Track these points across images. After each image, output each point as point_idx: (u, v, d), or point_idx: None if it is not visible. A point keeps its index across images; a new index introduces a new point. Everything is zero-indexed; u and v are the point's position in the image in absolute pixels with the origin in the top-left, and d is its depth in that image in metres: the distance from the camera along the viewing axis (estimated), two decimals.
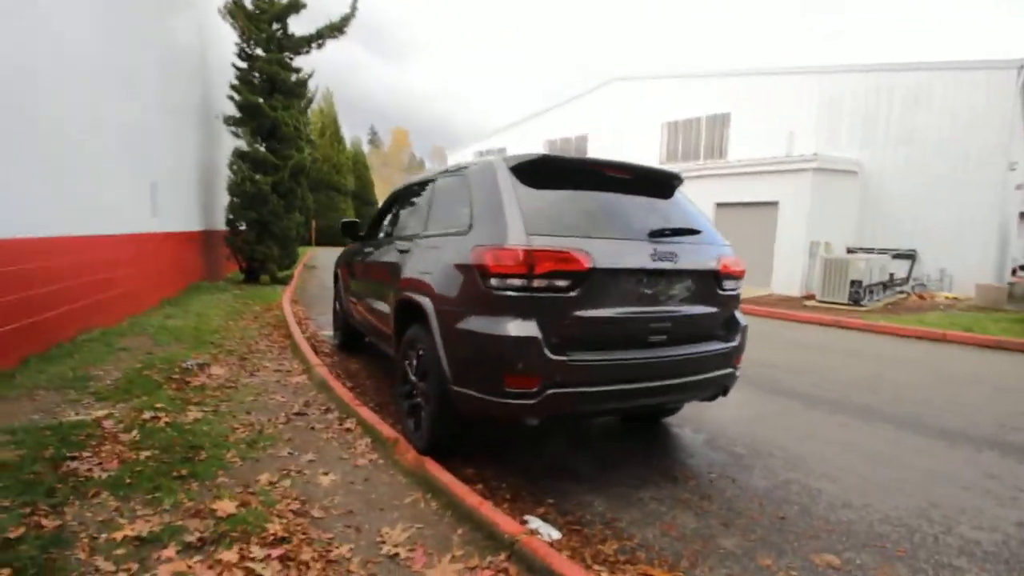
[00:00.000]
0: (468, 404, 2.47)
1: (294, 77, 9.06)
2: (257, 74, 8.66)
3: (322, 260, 18.55)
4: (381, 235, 4.39)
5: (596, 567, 1.98)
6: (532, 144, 22.10)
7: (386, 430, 2.98)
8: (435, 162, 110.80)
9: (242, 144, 8.82)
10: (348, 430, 3.12)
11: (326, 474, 2.57)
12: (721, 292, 2.84)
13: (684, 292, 2.69)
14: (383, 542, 2.05)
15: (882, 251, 12.94)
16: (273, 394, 3.81)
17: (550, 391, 2.29)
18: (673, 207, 2.92)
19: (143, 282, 6.47)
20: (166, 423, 3.02)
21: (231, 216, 8.97)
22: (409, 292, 2.99)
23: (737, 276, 2.92)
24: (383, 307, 3.65)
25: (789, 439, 3.43)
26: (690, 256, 2.67)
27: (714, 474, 2.90)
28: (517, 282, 2.30)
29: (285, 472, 2.56)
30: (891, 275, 12.24)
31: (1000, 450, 3.34)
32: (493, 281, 2.33)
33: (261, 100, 8.45)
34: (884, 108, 13.71)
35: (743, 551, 2.17)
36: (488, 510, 2.14)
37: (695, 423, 3.66)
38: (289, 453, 2.78)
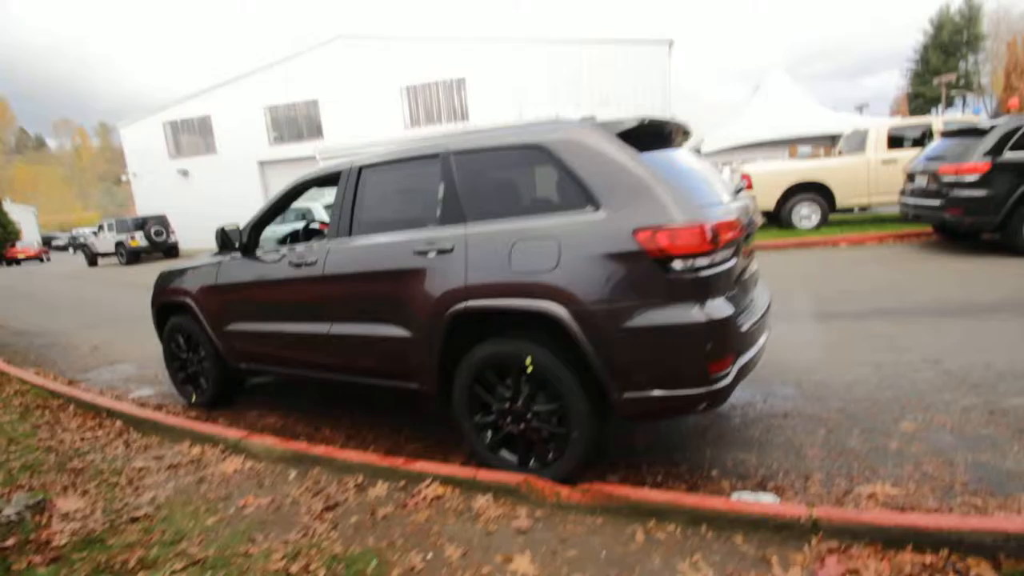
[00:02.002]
0: (648, 407, 2.16)
1: None
2: None
3: None
4: (313, 237, 3.22)
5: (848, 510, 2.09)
6: (248, 111, 18.76)
7: (501, 476, 2.36)
8: (64, 138, 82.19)
9: None
10: (438, 498, 2.34)
11: (509, 560, 1.91)
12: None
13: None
14: None
15: None
16: (231, 501, 2.52)
17: (738, 365, 2.20)
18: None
19: None
20: None
21: None
22: (491, 300, 2.33)
23: None
24: (380, 330, 2.75)
25: None
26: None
27: (758, 395, 3.29)
28: (702, 261, 2.07)
29: None
30: None
31: (849, 319, 4.68)
32: (677, 264, 2.04)
33: None
34: (588, 75, 16.43)
35: (869, 448, 2.58)
36: (753, 507, 1.98)
37: None
38: (426, 559, 1.95)
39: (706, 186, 2.43)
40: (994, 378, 3.18)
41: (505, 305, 2.30)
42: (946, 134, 7.40)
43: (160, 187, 22.02)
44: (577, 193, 2.24)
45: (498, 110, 16.84)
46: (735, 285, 2.28)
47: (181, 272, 3.87)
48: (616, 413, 2.23)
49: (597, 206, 2.19)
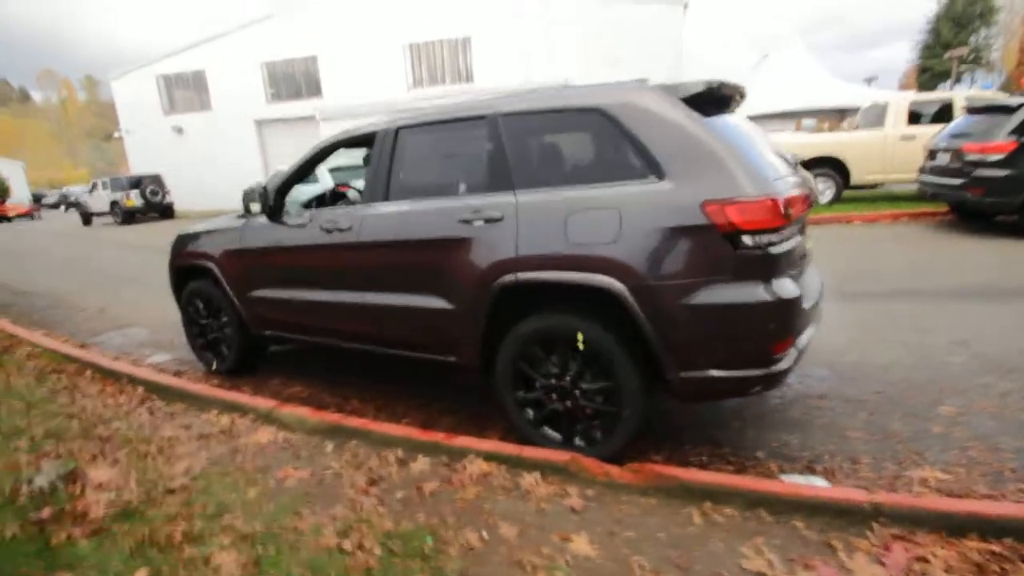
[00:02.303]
0: (705, 387, 2.12)
1: None
2: None
3: None
4: (339, 200, 3.09)
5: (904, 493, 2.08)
6: (244, 66, 18.09)
7: (548, 453, 2.33)
8: (49, 90, 79.35)
9: None
10: (484, 475, 2.31)
11: (568, 540, 1.89)
12: None
13: None
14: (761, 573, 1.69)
15: None
16: (269, 473, 2.48)
17: (798, 347, 2.15)
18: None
19: None
20: None
21: None
22: (544, 273, 2.25)
23: None
24: (419, 301, 2.67)
25: None
26: None
27: (793, 376, 3.25)
28: (772, 237, 1.99)
29: (521, 565, 1.78)
30: None
31: (870, 299, 4.65)
32: (746, 240, 1.96)
33: None
34: (597, 35, 15.88)
35: (912, 431, 2.57)
36: (813, 492, 1.96)
37: None
38: (483, 538, 1.92)
39: (769, 157, 2.32)
40: None
41: (559, 279, 2.22)
42: (971, 110, 7.23)
43: (154, 144, 21.39)
44: (640, 161, 2.13)
45: (505, 72, 16.34)
46: (797, 263, 2.20)
47: (201, 234, 3.74)
48: (671, 393, 2.19)
49: (661, 176, 2.08)
